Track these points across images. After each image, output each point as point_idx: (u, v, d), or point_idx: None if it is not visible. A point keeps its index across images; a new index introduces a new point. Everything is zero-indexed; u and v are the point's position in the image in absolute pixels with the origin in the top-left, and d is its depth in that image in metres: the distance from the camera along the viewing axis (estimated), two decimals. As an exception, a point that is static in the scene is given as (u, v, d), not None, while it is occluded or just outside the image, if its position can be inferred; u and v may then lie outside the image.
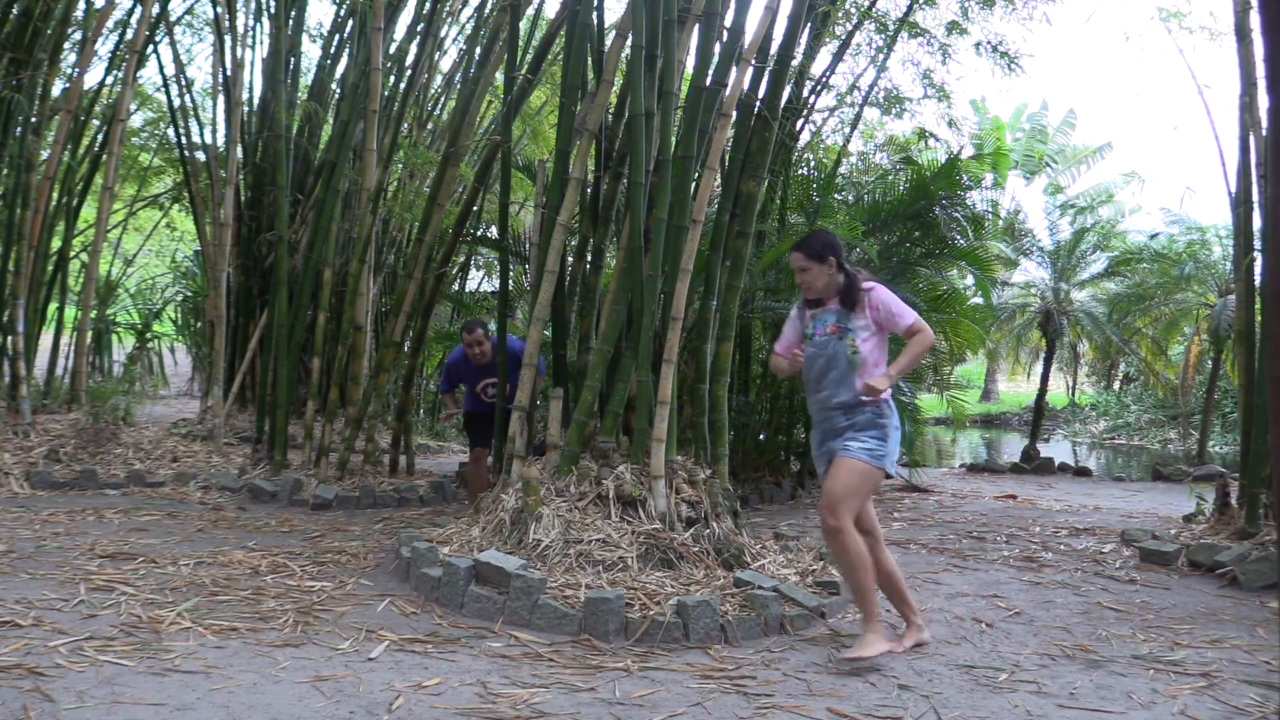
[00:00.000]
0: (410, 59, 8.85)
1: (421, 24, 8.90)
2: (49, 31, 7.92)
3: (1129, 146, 52.35)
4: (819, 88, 8.73)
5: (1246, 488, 5.77)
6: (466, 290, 12.76)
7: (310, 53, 10.29)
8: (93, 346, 12.00)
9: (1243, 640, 4.09)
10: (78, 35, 8.81)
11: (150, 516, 5.76)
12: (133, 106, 10.50)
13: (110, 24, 8.69)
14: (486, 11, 9.19)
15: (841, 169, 9.92)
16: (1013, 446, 16.68)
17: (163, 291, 15.01)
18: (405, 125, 9.24)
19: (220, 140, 9.48)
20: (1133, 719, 3.18)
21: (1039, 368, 15.96)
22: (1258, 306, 6.00)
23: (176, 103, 9.85)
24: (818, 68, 8.46)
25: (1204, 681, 3.53)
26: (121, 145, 8.83)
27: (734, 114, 5.27)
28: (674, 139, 5.08)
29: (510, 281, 8.34)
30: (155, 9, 8.43)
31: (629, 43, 5.21)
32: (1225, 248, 13.61)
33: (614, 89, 5.59)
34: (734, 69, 5.22)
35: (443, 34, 9.84)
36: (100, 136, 9.43)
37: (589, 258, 5.59)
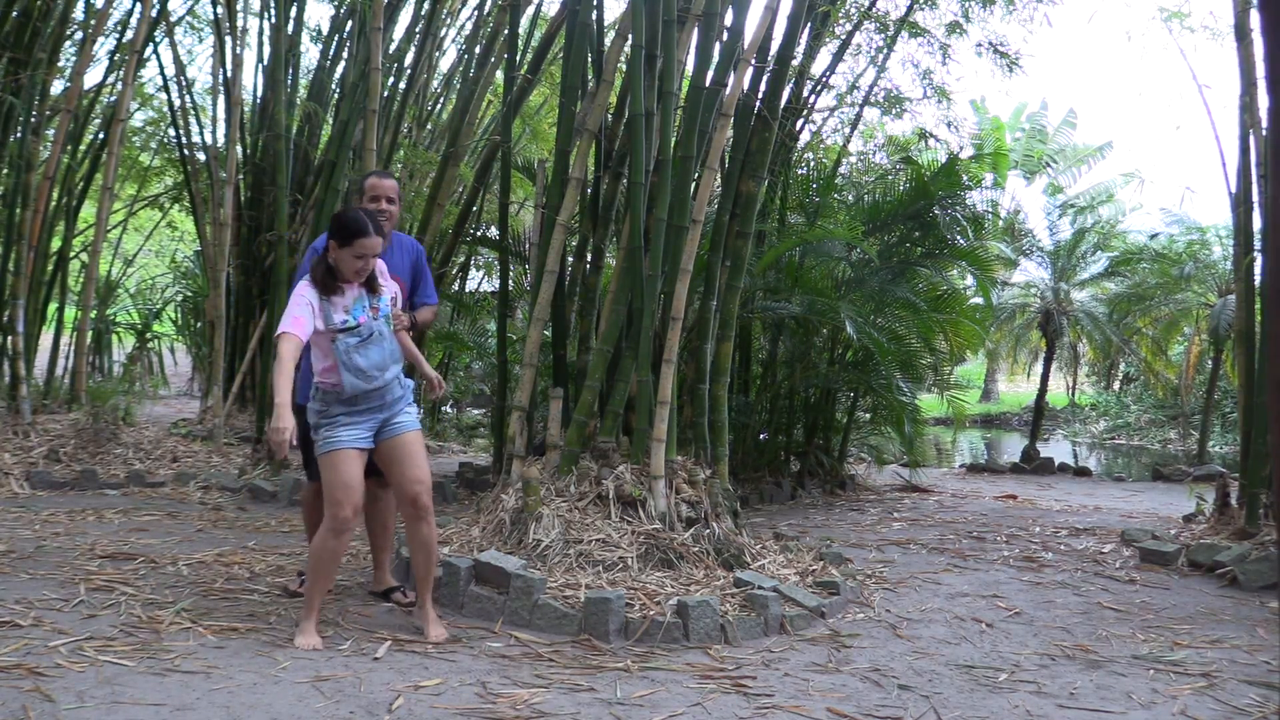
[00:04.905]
0: (410, 59, 8.85)
1: (421, 24, 8.90)
2: (49, 31, 7.92)
3: (1129, 146, 52.35)
4: (819, 88, 8.73)
5: (1246, 488, 5.77)
6: (466, 290, 12.75)
7: (310, 53, 10.30)
8: (93, 346, 12.01)
9: (1243, 640, 4.09)
10: (78, 35, 8.81)
11: (150, 516, 5.76)
12: (133, 106, 10.50)
13: (110, 24, 8.69)
14: (486, 11, 9.20)
15: (841, 169, 9.91)
16: (1013, 446, 16.66)
17: (163, 291, 15.00)
18: (405, 125, 9.25)
19: (220, 140, 9.48)
20: (1133, 719, 3.18)
21: (1039, 368, 15.95)
22: (1258, 306, 6.00)
23: (177, 103, 9.86)
24: (818, 68, 8.47)
25: (1204, 681, 3.53)
26: (121, 145, 8.82)
27: (734, 114, 5.27)
28: (674, 139, 5.08)
29: (510, 281, 8.33)
30: (155, 9, 8.42)
31: (629, 43, 5.20)
32: (1225, 248, 13.60)
33: (614, 89, 5.59)
34: (734, 69, 5.22)
35: (442, 34, 9.84)
36: (100, 136, 9.43)
37: (589, 258, 5.59)
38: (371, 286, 3.65)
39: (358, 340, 3.56)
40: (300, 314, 3.52)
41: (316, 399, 3.62)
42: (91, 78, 9.02)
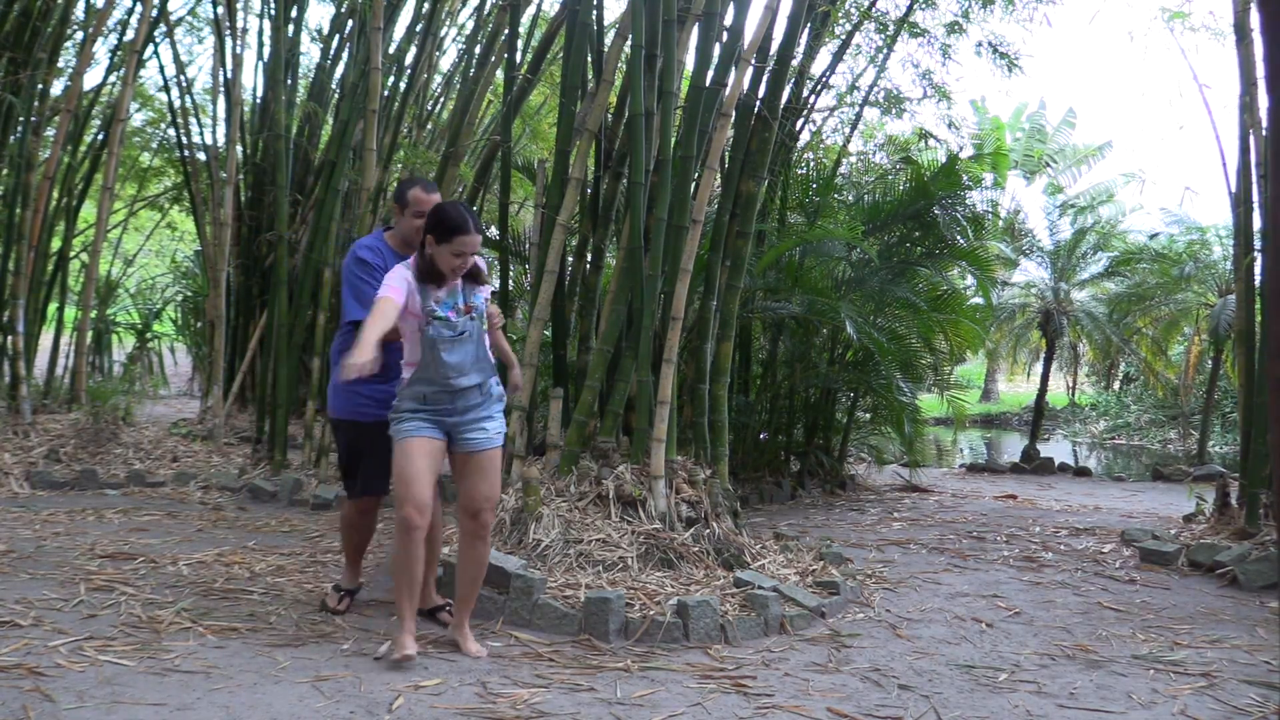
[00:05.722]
0: (410, 59, 8.85)
1: (421, 24, 8.90)
2: (49, 31, 7.93)
3: (1129, 146, 52.30)
4: (819, 88, 8.73)
5: (1246, 488, 5.77)
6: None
7: (310, 53, 10.30)
8: (93, 346, 11.98)
9: (1243, 640, 4.09)
10: (78, 35, 8.81)
11: (150, 516, 5.76)
12: (133, 106, 10.49)
13: (110, 24, 8.69)
14: (486, 11, 9.19)
15: (841, 169, 9.91)
16: (1013, 446, 16.66)
17: (163, 291, 14.98)
18: (405, 125, 9.24)
19: (220, 140, 9.48)
20: (1133, 719, 3.18)
21: (1039, 368, 15.95)
22: (1258, 306, 6.00)
23: (177, 103, 9.86)
24: (818, 68, 8.47)
25: (1204, 681, 3.53)
26: (121, 145, 8.82)
27: (734, 114, 5.27)
28: (674, 139, 5.08)
29: (510, 281, 8.33)
30: (155, 9, 8.42)
31: (629, 43, 5.21)
32: (1225, 248, 13.59)
33: (614, 89, 5.59)
34: (734, 69, 5.22)
35: (442, 34, 9.84)
36: (100, 136, 9.43)
37: (589, 258, 5.59)
38: (477, 279, 3.50)
39: (451, 334, 3.40)
40: (399, 285, 3.35)
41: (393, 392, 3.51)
42: (91, 78, 9.04)
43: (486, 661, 3.46)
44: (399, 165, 9.17)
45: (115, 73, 8.93)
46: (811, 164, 9.32)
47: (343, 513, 4.11)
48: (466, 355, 3.42)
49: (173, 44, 9.49)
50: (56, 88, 8.70)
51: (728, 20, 5.26)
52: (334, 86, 9.59)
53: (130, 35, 8.50)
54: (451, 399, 3.43)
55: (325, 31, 9.73)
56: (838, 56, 8.76)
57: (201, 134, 10.37)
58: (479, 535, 3.53)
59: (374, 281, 3.66)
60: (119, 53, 9.05)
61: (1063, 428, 20.79)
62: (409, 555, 3.38)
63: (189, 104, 10.03)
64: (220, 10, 8.99)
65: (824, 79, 8.75)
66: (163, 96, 10.58)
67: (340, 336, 3.87)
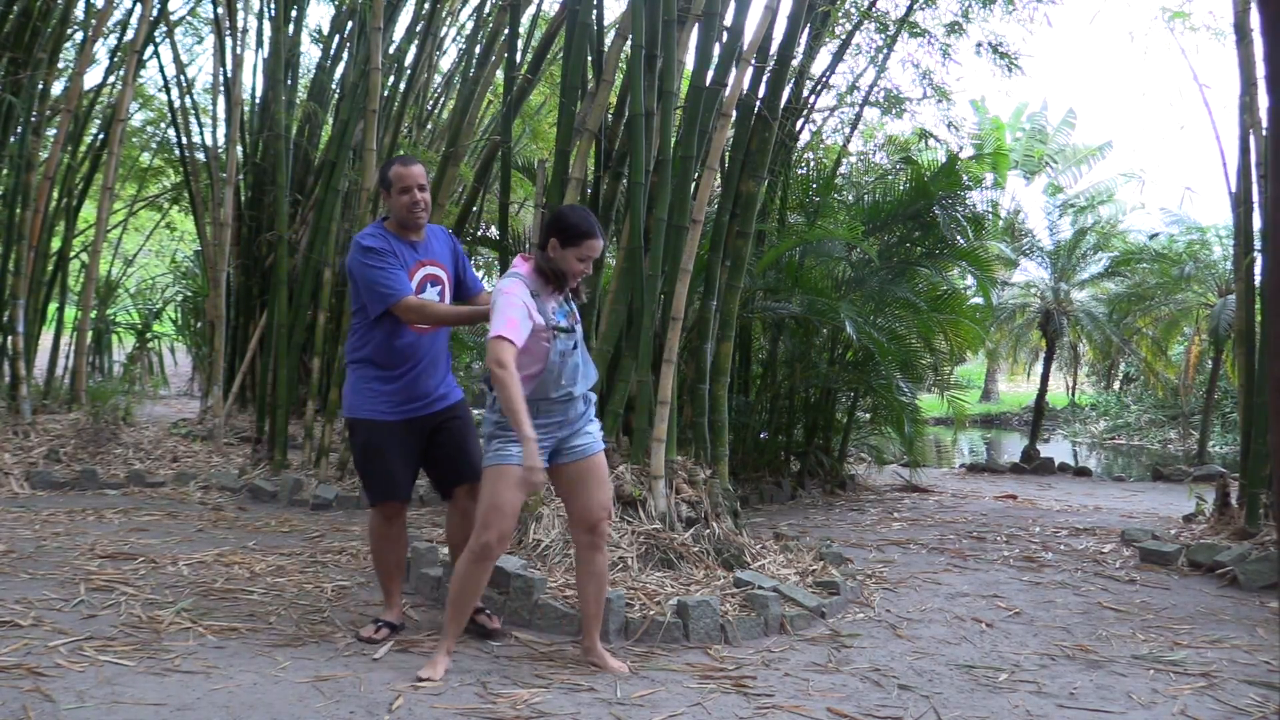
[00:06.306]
0: (410, 59, 8.85)
1: (421, 24, 8.90)
2: (49, 31, 7.93)
3: (1130, 146, 52.32)
4: (819, 88, 8.73)
5: (1246, 488, 5.77)
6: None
7: (310, 53, 10.31)
8: (93, 346, 12.00)
9: (1243, 640, 4.09)
10: (78, 35, 8.82)
11: (150, 516, 5.76)
12: (133, 107, 10.50)
13: (110, 24, 8.69)
14: (486, 11, 9.19)
15: (841, 169, 9.91)
16: (1013, 446, 16.66)
17: (163, 291, 14.99)
18: (405, 125, 9.24)
19: (220, 140, 9.49)
20: (1133, 719, 3.18)
21: (1039, 368, 15.96)
22: (1258, 306, 6.00)
23: (177, 103, 9.86)
24: (818, 68, 8.47)
25: (1204, 681, 3.53)
26: (121, 145, 8.82)
27: (734, 114, 5.27)
28: (674, 139, 5.08)
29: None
30: (155, 9, 8.43)
31: (629, 43, 5.21)
32: (1225, 248, 13.60)
33: (614, 89, 5.59)
34: (734, 69, 5.22)
35: (442, 34, 9.83)
36: (100, 136, 9.43)
37: (589, 257, 5.59)
38: (575, 292, 3.46)
39: (574, 345, 3.34)
40: (516, 316, 3.18)
41: (496, 410, 3.29)
42: (91, 78, 9.04)
43: (486, 661, 3.46)
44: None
45: (115, 73, 8.93)
46: (811, 164, 9.32)
47: (370, 526, 3.90)
48: (580, 363, 3.38)
49: (173, 44, 9.50)
50: (56, 88, 8.71)
51: (728, 20, 5.26)
52: (334, 86, 9.59)
53: (130, 35, 8.51)
54: (565, 409, 3.37)
55: (325, 31, 9.73)
56: (838, 56, 8.76)
57: (201, 134, 10.38)
58: (598, 547, 3.46)
59: (385, 265, 3.57)
60: (119, 53, 9.06)
61: (1063, 428, 20.80)
62: (477, 581, 3.34)
63: (189, 104, 10.04)
64: (220, 10, 8.99)
65: (824, 79, 8.76)
66: (163, 96, 10.60)
67: (355, 335, 3.74)
